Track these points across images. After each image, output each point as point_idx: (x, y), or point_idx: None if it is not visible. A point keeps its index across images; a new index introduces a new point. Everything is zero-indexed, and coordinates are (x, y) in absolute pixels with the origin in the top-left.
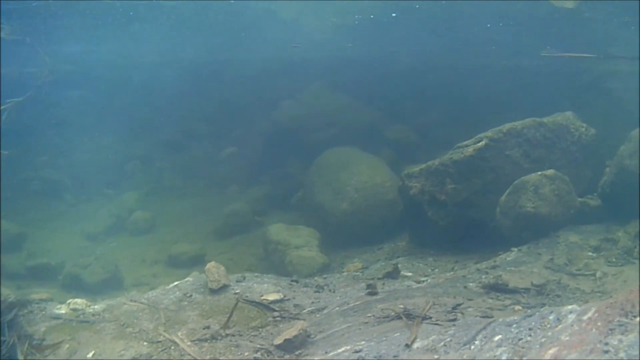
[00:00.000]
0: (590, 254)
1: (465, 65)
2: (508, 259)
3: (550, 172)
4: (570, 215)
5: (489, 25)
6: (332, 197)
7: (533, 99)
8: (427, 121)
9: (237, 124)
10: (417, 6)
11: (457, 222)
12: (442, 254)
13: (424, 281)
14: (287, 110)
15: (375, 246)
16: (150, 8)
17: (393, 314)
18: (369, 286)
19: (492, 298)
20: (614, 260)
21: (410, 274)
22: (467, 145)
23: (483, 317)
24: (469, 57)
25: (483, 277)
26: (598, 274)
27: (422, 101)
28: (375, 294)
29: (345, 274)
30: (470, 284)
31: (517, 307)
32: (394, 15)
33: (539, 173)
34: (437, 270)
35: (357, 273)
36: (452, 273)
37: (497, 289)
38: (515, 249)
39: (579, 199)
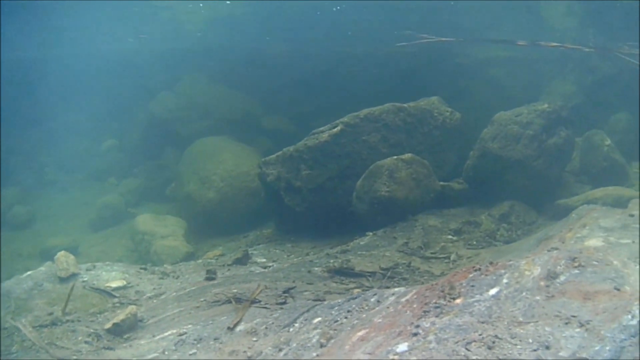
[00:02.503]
0: (450, 237)
1: (343, 54)
2: (361, 243)
3: (407, 156)
4: (430, 199)
5: (337, 9)
6: (199, 187)
7: (411, 86)
8: (305, 110)
9: (118, 117)
10: None
11: (314, 208)
12: (302, 240)
13: (270, 266)
14: (164, 101)
15: (242, 234)
16: None
17: (224, 298)
18: (208, 272)
19: (335, 282)
20: (474, 243)
21: (263, 259)
22: (322, 131)
23: (315, 300)
24: (346, 45)
25: (331, 261)
26: (452, 257)
27: (301, 90)
28: (213, 279)
29: (200, 261)
30: (316, 269)
31: (357, 291)
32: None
33: (395, 157)
34: (292, 256)
35: (212, 260)
36: (300, 258)
37: (342, 273)
38: (371, 233)
39: (443, 183)
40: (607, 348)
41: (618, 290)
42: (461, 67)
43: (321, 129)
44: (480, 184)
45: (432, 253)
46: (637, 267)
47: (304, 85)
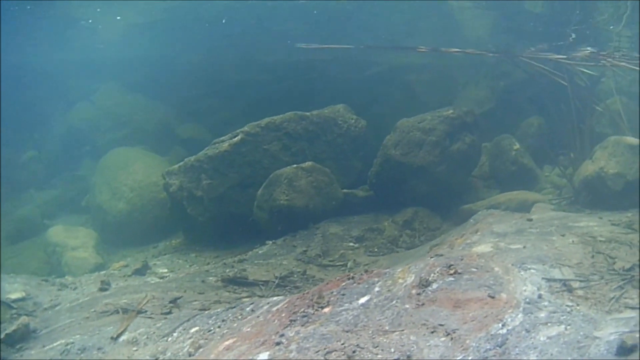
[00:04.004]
0: (351, 244)
1: (261, 61)
2: (260, 252)
3: (307, 164)
4: (332, 207)
5: (223, 21)
6: (110, 197)
7: (326, 93)
8: (223, 118)
9: (38, 127)
10: None
11: (216, 218)
12: (206, 250)
13: (166, 276)
14: (81, 112)
15: (152, 244)
16: None
17: (113, 308)
18: (101, 282)
19: (229, 291)
20: (375, 250)
21: (164, 270)
22: (223, 141)
23: (200, 310)
24: (263, 53)
25: (227, 270)
26: (349, 264)
27: (219, 99)
28: (106, 290)
29: (103, 272)
30: (210, 278)
31: (247, 300)
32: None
33: (295, 166)
34: (194, 265)
35: (116, 271)
36: (197, 268)
37: (236, 282)
38: (270, 242)
39: (347, 190)
40: (470, 358)
41: (492, 298)
42: (377, 74)
43: (222, 138)
44: (384, 191)
45: (330, 261)
46: (520, 273)
47: (224, 93)
